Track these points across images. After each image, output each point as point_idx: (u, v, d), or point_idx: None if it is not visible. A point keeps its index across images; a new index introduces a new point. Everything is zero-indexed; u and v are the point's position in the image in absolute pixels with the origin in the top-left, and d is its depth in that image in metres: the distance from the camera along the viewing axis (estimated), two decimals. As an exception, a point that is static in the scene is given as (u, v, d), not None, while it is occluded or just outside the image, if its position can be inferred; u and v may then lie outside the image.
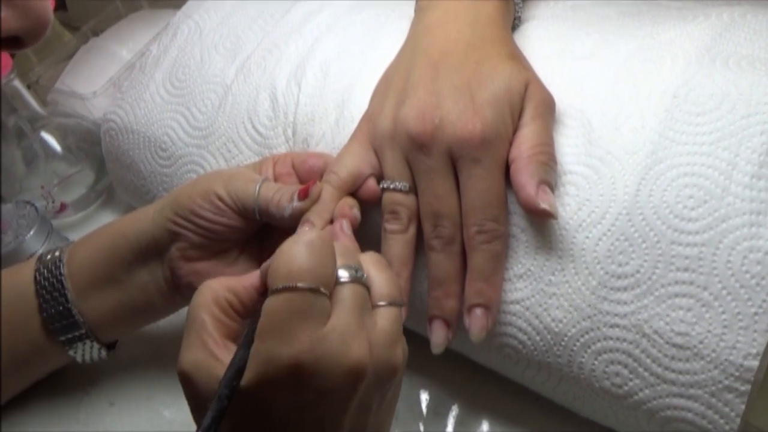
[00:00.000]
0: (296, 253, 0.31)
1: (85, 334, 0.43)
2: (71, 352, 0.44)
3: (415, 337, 0.42)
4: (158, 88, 0.53)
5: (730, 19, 0.41)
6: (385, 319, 0.32)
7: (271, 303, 0.30)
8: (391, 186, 0.39)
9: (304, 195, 0.39)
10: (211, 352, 0.30)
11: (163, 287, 0.43)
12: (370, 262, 0.34)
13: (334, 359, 0.29)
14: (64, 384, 0.48)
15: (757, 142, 0.35)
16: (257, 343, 0.30)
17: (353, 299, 0.31)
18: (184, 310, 0.33)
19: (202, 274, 0.41)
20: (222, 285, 0.33)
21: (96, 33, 0.70)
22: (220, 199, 0.40)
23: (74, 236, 0.55)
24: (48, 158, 0.60)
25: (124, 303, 0.43)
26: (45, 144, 0.60)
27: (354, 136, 0.42)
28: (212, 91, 0.50)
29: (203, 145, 0.49)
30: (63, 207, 0.60)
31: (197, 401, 0.31)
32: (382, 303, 0.33)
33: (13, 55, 0.59)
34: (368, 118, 0.42)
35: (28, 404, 0.47)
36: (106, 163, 0.56)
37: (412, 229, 0.39)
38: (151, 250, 0.42)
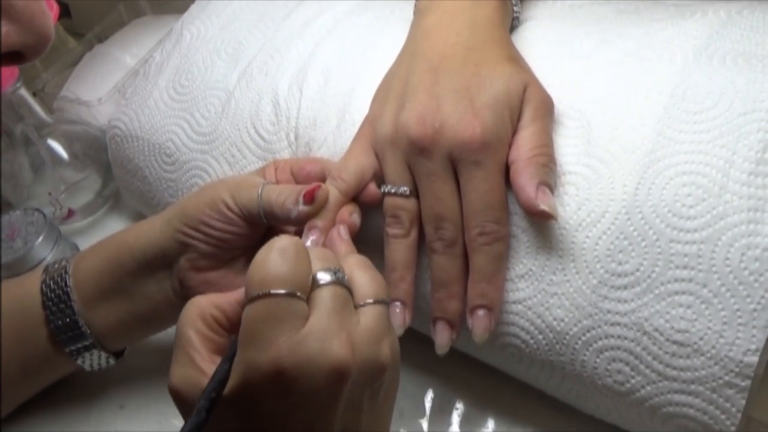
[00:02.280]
0: (269, 260, 0.31)
1: (92, 344, 0.43)
2: (79, 362, 0.44)
3: (419, 336, 0.43)
4: (161, 94, 0.53)
5: (727, 16, 0.41)
6: (369, 316, 0.32)
7: (248, 311, 0.30)
8: (392, 191, 0.39)
9: (310, 199, 0.39)
10: (198, 367, 0.31)
11: (171, 298, 0.43)
12: (354, 264, 0.34)
13: (315, 361, 0.29)
14: (76, 387, 0.48)
15: (754, 139, 0.35)
16: (239, 353, 0.30)
17: (332, 300, 0.31)
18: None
19: (212, 284, 0.41)
20: (208, 301, 0.33)
21: (100, 39, 0.70)
22: (228, 207, 0.40)
23: (82, 242, 0.55)
24: (55, 165, 0.60)
25: (131, 313, 0.43)
26: (52, 151, 0.61)
27: (356, 140, 0.42)
28: (215, 97, 0.51)
29: (207, 151, 0.50)
30: (70, 213, 0.61)
31: (187, 415, 0.31)
32: (366, 302, 0.33)
33: (18, 64, 0.59)
34: (369, 121, 0.42)
35: (40, 407, 0.47)
36: (113, 169, 0.57)
37: (413, 233, 0.39)
38: (159, 262, 0.42)
